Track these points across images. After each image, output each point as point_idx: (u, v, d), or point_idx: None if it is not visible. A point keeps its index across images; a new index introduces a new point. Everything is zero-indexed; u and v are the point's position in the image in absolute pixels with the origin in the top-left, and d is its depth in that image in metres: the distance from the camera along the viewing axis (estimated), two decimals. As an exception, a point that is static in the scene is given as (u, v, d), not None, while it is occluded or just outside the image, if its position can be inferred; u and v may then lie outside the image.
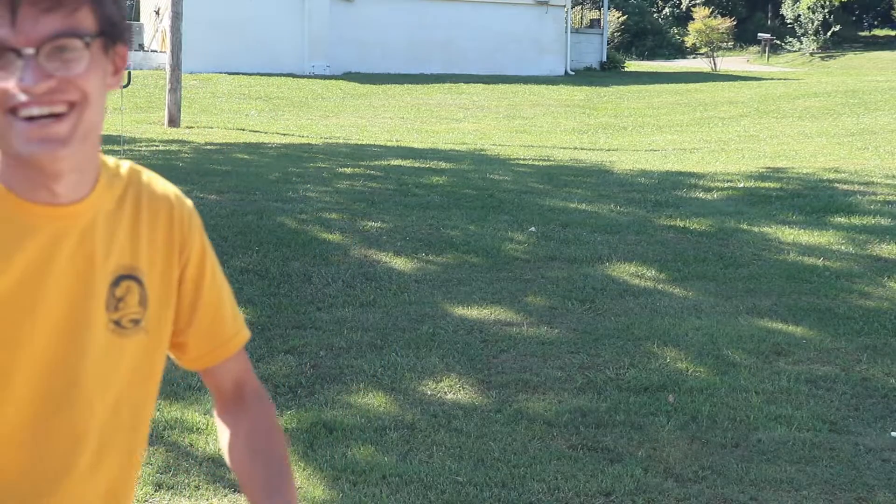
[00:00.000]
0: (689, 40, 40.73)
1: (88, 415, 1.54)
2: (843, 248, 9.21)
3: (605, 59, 34.44)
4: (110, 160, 1.58)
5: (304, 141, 16.08)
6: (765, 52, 41.05)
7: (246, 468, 1.73)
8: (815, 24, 41.31)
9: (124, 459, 1.63)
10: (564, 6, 31.70)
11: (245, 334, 1.77)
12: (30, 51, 1.37)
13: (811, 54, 41.05)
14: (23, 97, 1.38)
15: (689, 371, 6.26)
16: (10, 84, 1.37)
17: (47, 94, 1.39)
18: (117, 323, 1.55)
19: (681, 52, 43.22)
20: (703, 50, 37.70)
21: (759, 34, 41.43)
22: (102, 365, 1.54)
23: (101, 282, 1.53)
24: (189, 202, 1.67)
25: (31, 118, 1.39)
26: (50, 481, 1.53)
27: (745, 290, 7.90)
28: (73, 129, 1.41)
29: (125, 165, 1.60)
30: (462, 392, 5.79)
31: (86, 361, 1.52)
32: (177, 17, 17.33)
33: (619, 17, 41.73)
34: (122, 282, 1.55)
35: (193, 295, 1.65)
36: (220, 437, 1.79)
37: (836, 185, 12.03)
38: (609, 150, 16.38)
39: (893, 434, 5.39)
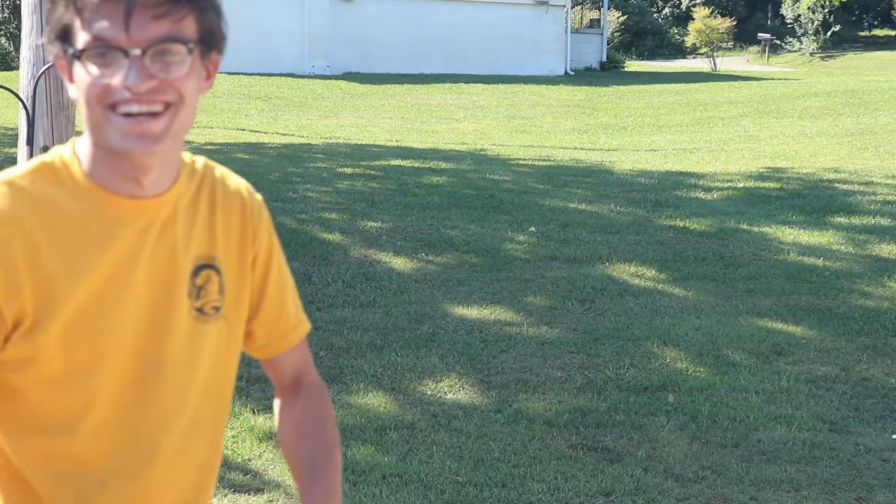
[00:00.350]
0: (689, 40, 40.70)
1: (176, 398, 1.64)
2: (843, 248, 9.21)
3: (605, 59, 34.41)
4: (186, 155, 1.68)
5: (304, 141, 16.08)
6: (765, 52, 41.03)
7: (293, 449, 1.80)
8: (815, 24, 41.27)
9: (212, 439, 1.74)
10: (564, 6, 31.68)
11: (306, 326, 1.86)
12: (136, 52, 1.47)
13: (811, 54, 41.02)
14: (125, 94, 1.48)
15: (689, 371, 6.26)
16: (115, 81, 1.48)
17: (148, 93, 1.49)
18: (200, 310, 1.65)
19: (681, 52, 43.19)
20: (703, 50, 37.67)
21: (759, 34, 41.40)
22: (188, 350, 1.64)
23: (182, 271, 1.63)
24: (259, 196, 1.76)
25: (129, 114, 1.49)
26: (140, 463, 1.63)
27: (745, 290, 7.90)
28: (167, 127, 1.51)
29: (200, 161, 1.71)
30: (462, 392, 5.80)
31: (171, 347, 1.62)
32: (177, 17, 17.36)
33: (619, 17, 41.70)
34: (202, 271, 1.65)
35: (261, 285, 1.75)
36: (277, 424, 1.87)
37: (836, 185, 12.03)
38: (609, 150, 16.37)
39: (895, 437, 5.39)
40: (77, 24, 1.49)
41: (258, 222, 1.72)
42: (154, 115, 1.50)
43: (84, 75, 1.50)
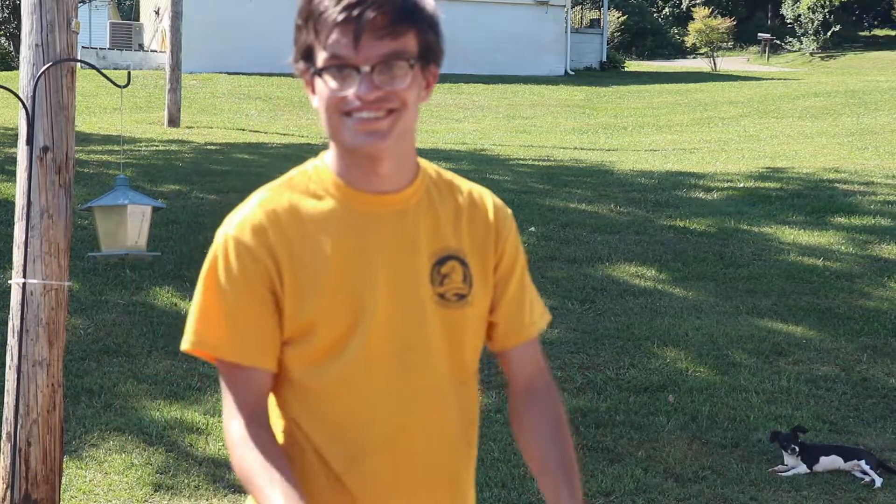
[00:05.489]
0: (689, 40, 40.67)
1: (423, 372, 1.86)
2: (843, 248, 9.20)
3: (605, 59, 34.39)
4: (432, 167, 1.95)
5: (304, 141, 16.07)
6: (765, 52, 41.01)
7: (541, 452, 1.99)
8: (815, 24, 41.24)
9: (461, 417, 1.92)
10: (564, 6, 31.67)
11: (541, 325, 2.05)
12: (366, 68, 1.75)
13: (811, 54, 41.00)
14: (357, 103, 1.76)
15: (689, 371, 6.26)
16: (349, 93, 1.76)
17: (375, 102, 1.76)
18: (442, 296, 1.86)
19: (681, 52, 43.17)
20: (703, 50, 37.64)
21: (759, 34, 41.36)
22: (431, 330, 1.86)
23: (424, 259, 1.86)
24: (508, 211, 2.00)
25: (360, 119, 1.77)
26: (397, 429, 1.85)
27: (745, 290, 7.90)
28: (391, 127, 1.78)
29: (447, 173, 1.97)
30: (462, 392, 5.79)
31: (416, 326, 1.85)
32: (177, 17, 17.31)
33: (619, 17, 41.68)
34: (448, 261, 1.88)
35: (505, 283, 1.96)
36: (514, 423, 2.06)
37: (837, 185, 12.02)
38: (609, 150, 16.36)
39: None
40: (317, 45, 1.79)
41: (504, 231, 1.96)
42: (380, 118, 1.77)
43: (324, 88, 1.79)
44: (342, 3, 1.75)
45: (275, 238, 1.81)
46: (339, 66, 1.76)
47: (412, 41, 1.78)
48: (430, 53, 1.81)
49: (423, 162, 1.94)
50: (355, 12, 1.74)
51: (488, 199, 1.98)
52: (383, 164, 1.83)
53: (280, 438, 1.88)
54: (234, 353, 1.83)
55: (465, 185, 1.98)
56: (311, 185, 1.87)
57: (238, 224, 1.83)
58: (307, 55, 1.82)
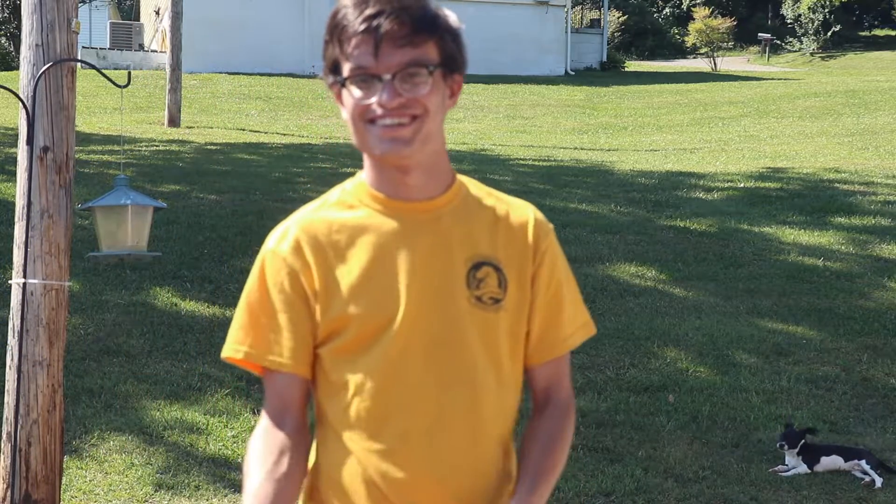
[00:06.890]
0: (690, 40, 40.64)
1: (457, 368, 1.91)
2: (843, 248, 9.20)
3: (605, 59, 34.37)
4: (473, 182, 2.02)
5: (304, 141, 16.07)
6: (765, 52, 40.99)
7: (526, 453, 2.01)
8: (816, 24, 41.22)
9: (496, 415, 1.97)
10: (564, 6, 31.67)
11: (574, 342, 2.05)
12: (388, 76, 1.83)
13: (811, 54, 40.98)
14: (379, 111, 1.84)
15: (689, 371, 6.26)
16: (372, 101, 1.84)
17: (397, 108, 1.84)
18: (479, 298, 1.92)
19: (681, 52, 43.14)
20: (704, 50, 37.61)
21: (760, 34, 41.33)
22: (467, 329, 1.92)
23: (458, 263, 1.93)
24: (549, 225, 2.04)
25: (384, 126, 1.85)
26: (432, 421, 1.90)
27: (746, 290, 7.90)
28: (414, 134, 1.86)
29: (489, 188, 2.04)
30: (462, 392, 5.79)
31: (452, 324, 1.91)
32: (177, 17, 17.31)
33: (619, 17, 41.66)
34: (483, 267, 1.94)
35: (542, 297, 1.99)
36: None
37: (837, 185, 12.02)
38: (609, 150, 16.36)
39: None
40: (342, 58, 1.86)
41: (542, 244, 2.00)
42: (404, 124, 1.84)
43: (349, 98, 1.87)
44: (362, 15, 1.83)
45: (308, 248, 1.91)
46: (363, 76, 1.84)
47: (432, 50, 1.86)
48: (451, 62, 1.90)
49: (464, 177, 2.01)
50: (375, 23, 1.82)
51: (529, 212, 2.02)
52: (411, 174, 1.90)
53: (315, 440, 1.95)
54: (260, 358, 1.92)
55: (507, 198, 2.03)
56: (348, 198, 1.96)
57: (276, 238, 1.94)
58: (335, 69, 1.89)
